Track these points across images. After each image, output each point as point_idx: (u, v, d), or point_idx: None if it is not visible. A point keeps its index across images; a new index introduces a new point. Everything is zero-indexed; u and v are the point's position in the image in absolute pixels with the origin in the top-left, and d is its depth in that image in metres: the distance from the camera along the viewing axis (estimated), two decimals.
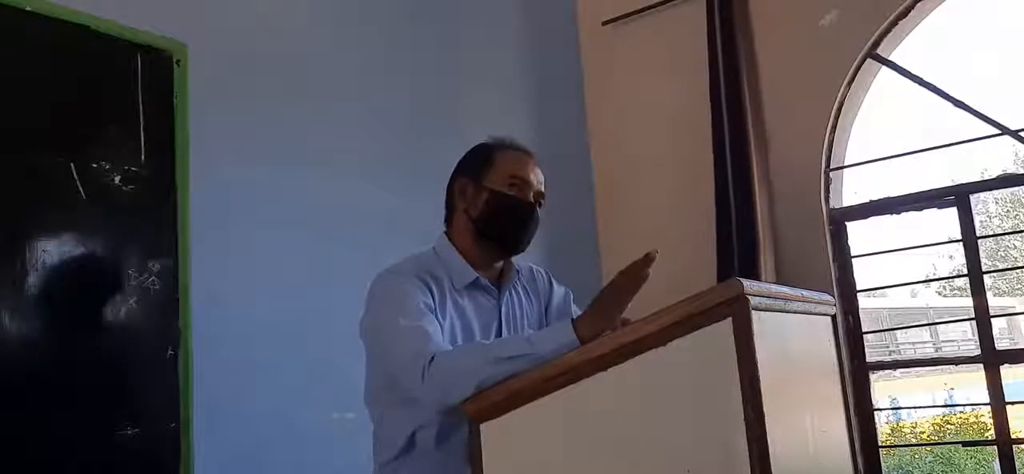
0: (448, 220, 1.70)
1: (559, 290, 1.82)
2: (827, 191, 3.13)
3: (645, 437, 1.27)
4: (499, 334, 1.63)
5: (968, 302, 3.01)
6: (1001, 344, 3.01)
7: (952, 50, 28.97)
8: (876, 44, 3.08)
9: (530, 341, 1.41)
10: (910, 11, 3.03)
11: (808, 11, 3.15)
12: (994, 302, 13.47)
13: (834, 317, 1.72)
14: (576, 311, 1.80)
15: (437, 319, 1.52)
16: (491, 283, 1.66)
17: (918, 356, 12.86)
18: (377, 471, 1.60)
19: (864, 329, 3.08)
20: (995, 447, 2.98)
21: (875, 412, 3.12)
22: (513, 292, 1.70)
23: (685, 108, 3.34)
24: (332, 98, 2.58)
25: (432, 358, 1.40)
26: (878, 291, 5.06)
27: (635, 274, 1.42)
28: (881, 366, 3.61)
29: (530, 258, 1.81)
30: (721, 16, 3.19)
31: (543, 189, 1.66)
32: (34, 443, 1.76)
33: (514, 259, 1.72)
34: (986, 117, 2.96)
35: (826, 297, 1.69)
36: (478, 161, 1.66)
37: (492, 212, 1.61)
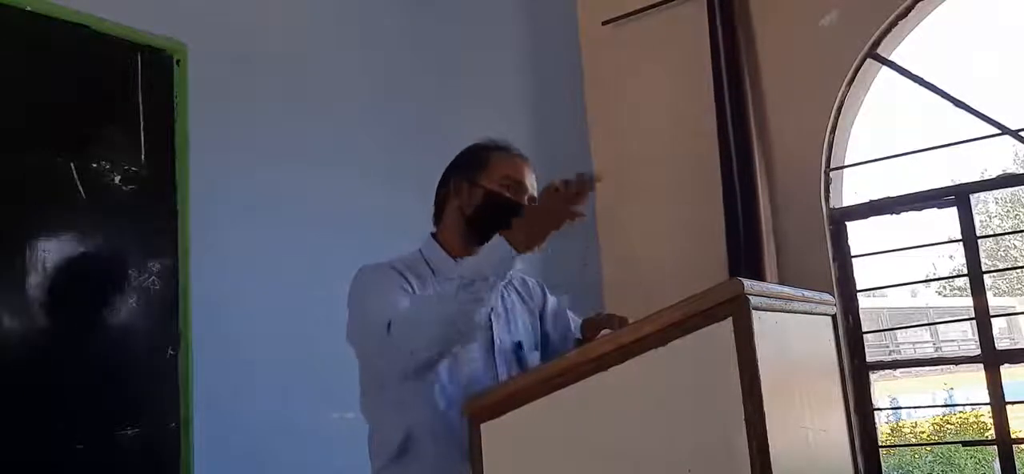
0: (436, 221, 1.71)
1: (552, 299, 1.83)
2: (827, 191, 3.13)
3: (645, 437, 1.27)
4: (490, 330, 1.63)
5: (968, 302, 3.01)
6: (1001, 344, 3.01)
7: (952, 50, 29.00)
8: (876, 44, 3.09)
9: (472, 267, 1.44)
10: (910, 11, 3.04)
11: (808, 11, 3.15)
12: (994, 302, 13.46)
13: (834, 317, 1.72)
14: (572, 317, 1.83)
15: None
16: None
17: (918, 356, 12.86)
18: None
19: (864, 329, 3.08)
20: (995, 447, 2.98)
21: (875, 412, 3.12)
22: (504, 292, 1.70)
23: (685, 108, 3.35)
24: (332, 98, 2.58)
25: (390, 320, 1.43)
26: (878, 291, 5.06)
27: (568, 197, 1.45)
28: (881, 366, 3.61)
29: (529, 258, 1.80)
30: (721, 16, 3.19)
31: (536, 194, 1.66)
32: (34, 443, 1.76)
33: None
34: (986, 117, 2.96)
35: (826, 297, 1.69)
36: (473, 161, 1.68)
37: (486, 209, 1.62)
